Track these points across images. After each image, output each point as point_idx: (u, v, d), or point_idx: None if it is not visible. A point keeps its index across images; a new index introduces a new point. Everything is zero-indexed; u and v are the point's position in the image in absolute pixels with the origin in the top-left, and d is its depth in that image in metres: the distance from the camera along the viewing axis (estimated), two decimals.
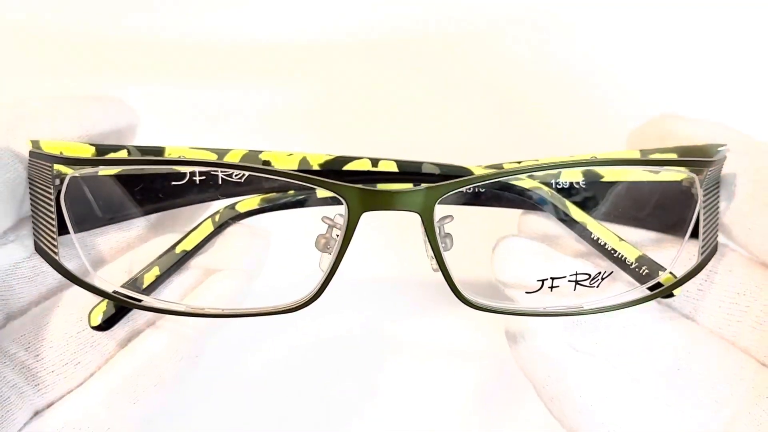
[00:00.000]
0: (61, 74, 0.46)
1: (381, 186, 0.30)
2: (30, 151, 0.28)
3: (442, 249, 0.28)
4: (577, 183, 0.31)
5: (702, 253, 0.30)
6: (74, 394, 0.28)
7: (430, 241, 0.28)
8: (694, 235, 0.30)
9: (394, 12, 0.48)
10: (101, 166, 0.29)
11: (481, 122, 0.46)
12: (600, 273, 0.30)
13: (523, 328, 0.30)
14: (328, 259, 0.28)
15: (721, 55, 0.47)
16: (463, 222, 0.29)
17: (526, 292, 0.30)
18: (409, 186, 0.30)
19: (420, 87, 0.47)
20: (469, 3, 0.49)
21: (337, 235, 0.28)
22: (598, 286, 0.30)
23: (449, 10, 0.48)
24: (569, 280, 0.30)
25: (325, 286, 0.28)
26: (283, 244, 0.33)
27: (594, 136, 0.45)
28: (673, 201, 0.31)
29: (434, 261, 0.28)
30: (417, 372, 0.40)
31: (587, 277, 0.30)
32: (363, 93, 0.47)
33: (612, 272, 0.30)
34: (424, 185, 0.28)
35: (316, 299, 0.28)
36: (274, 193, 0.31)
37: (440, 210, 0.28)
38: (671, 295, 0.30)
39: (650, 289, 0.30)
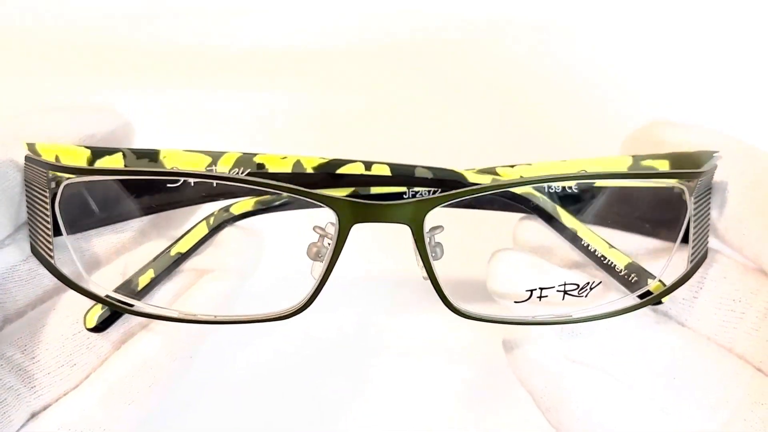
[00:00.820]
0: (62, 76, 0.46)
1: (374, 190, 0.31)
2: (26, 156, 0.28)
3: (431, 258, 0.28)
4: (569, 188, 0.31)
5: (691, 261, 0.30)
6: (70, 396, 0.29)
7: (419, 252, 0.28)
8: (687, 240, 0.30)
9: (393, 12, 0.48)
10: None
11: (481, 123, 0.46)
12: (588, 283, 0.30)
13: (520, 339, 0.30)
14: (319, 268, 0.28)
15: (720, 56, 0.47)
16: (453, 227, 0.29)
17: (515, 302, 0.30)
18: (399, 192, 0.31)
19: (420, 88, 0.47)
20: (469, 3, 0.49)
21: (329, 244, 0.28)
22: (586, 296, 0.30)
23: (449, 11, 0.48)
24: (558, 290, 0.30)
25: (317, 295, 0.28)
26: (277, 245, 0.33)
27: (594, 136, 0.44)
28: (665, 207, 0.31)
29: (424, 271, 0.29)
30: (410, 372, 0.40)
31: (575, 287, 0.30)
32: (363, 94, 0.47)
33: (600, 282, 0.30)
34: (413, 199, 0.28)
35: (307, 307, 0.29)
36: (269, 196, 0.31)
37: (430, 221, 0.28)
38: (659, 303, 0.30)
39: (640, 297, 0.30)
